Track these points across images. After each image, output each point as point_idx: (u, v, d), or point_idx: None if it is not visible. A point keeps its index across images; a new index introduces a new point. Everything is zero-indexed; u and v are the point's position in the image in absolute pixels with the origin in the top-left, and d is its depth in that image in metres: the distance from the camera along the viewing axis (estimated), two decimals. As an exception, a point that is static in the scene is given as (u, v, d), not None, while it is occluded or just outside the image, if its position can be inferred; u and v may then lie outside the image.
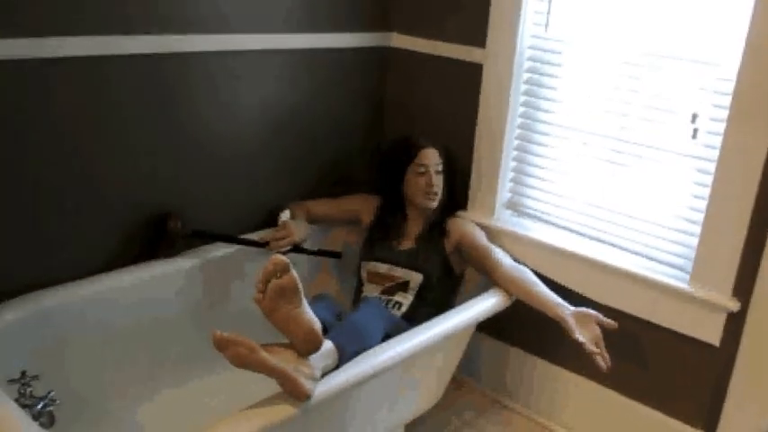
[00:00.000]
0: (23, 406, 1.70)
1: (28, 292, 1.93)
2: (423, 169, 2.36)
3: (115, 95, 2.02)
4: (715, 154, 1.99)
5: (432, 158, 2.37)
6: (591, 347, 1.99)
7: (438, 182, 2.37)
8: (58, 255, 2.02)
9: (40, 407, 1.76)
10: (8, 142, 1.84)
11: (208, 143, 2.28)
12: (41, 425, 1.71)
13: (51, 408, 1.79)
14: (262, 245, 2.34)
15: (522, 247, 2.41)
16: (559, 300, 2.12)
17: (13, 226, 1.91)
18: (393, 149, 2.45)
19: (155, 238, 2.20)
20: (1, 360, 1.76)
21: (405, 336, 1.95)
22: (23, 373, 1.77)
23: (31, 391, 1.77)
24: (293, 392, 1.59)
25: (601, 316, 2.06)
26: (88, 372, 2.04)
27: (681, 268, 2.14)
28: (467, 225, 2.42)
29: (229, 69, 2.26)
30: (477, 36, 2.42)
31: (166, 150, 2.18)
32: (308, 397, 1.60)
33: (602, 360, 1.99)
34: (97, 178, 2.05)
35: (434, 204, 2.37)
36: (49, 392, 1.79)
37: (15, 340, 1.84)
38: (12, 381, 1.75)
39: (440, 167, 2.38)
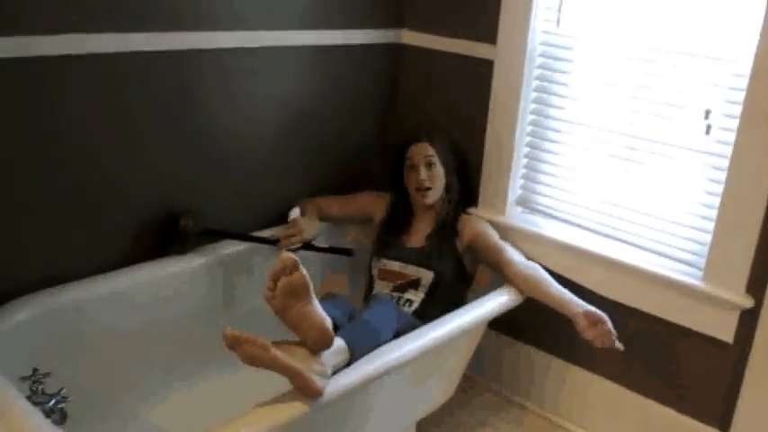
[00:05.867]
0: (35, 403, 1.70)
1: (39, 290, 1.94)
2: (410, 163, 2.37)
3: (128, 93, 2.02)
4: (728, 150, 1.97)
5: (419, 153, 2.36)
6: (601, 344, 1.98)
7: (430, 176, 2.35)
8: (70, 252, 2.02)
9: (51, 404, 1.77)
10: (22, 140, 1.85)
11: (220, 140, 2.28)
12: (53, 422, 1.71)
13: (63, 405, 1.79)
14: (272, 242, 2.34)
15: (534, 245, 2.40)
16: (572, 297, 2.11)
17: (25, 223, 1.92)
18: (396, 147, 2.45)
19: (166, 237, 2.20)
20: (13, 357, 1.77)
21: (416, 333, 1.94)
22: (35, 371, 1.78)
23: (42, 389, 1.77)
24: (304, 390, 1.58)
25: (609, 324, 2.00)
26: (100, 369, 2.05)
27: (694, 265, 2.12)
28: (479, 223, 2.41)
29: (242, 66, 2.26)
30: (489, 32, 2.41)
31: (179, 148, 2.18)
32: (319, 394, 1.60)
33: (617, 343, 1.97)
34: (110, 176, 2.05)
35: (429, 200, 2.36)
36: (60, 390, 1.80)
37: (27, 337, 1.85)
38: (24, 378, 1.75)
39: (432, 160, 2.35)
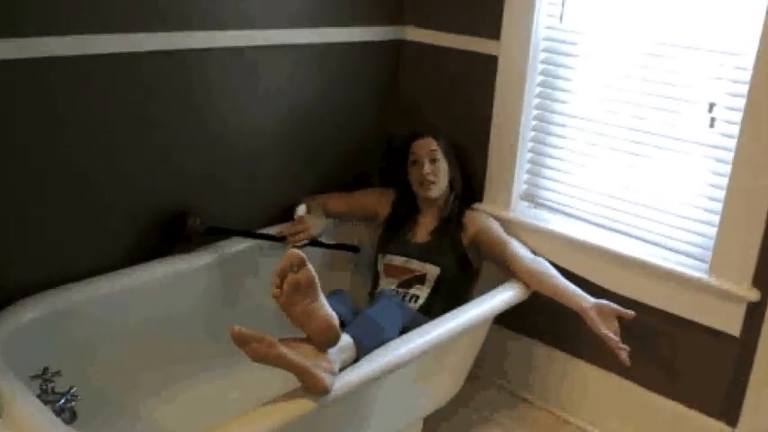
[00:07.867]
0: (45, 402, 1.71)
1: (47, 289, 1.94)
2: (414, 158, 2.38)
3: (133, 93, 2.03)
4: (732, 143, 1.97)
5: (423, 148, 2.38)
6: (616, 342, 1.98)
7: (434, 170, 2.36)
8: (76, 252, 2.03)
9: (61, 402, 1.77)
10: (29, 139, 1.86)
11: (224, 138, 2.29)
12: (63, 420, 1.72)
13: (73, 403, 1.80)
14: (279, 239, 2.34)
15: (539, 239, 2.40)
16: (579, 291, 2.12)
17: (31, 222, 1.93)
18: (396, 145, 2.46)
19: (173, 235, 2.20)
20: (23, 356, 1.77)
21: (423, 329, 1.95)
22: (45, 369, 1.79)
23: (53, 387, 1.78)
24: (312, 387, 1.59)
25: (619, 308, 2.05)
26: (108, 367, 2.06)
27: (699, 258, 2.12)
28: (484, 219, 2.41)
29: (247, 65, 2.26)
30: (492, 28, 2.41)
31: (183, 146, 2.19)
32: (326, 391, 1.61)
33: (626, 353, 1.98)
34: (115, 175, 2.06)
35: (433, 193, 2.37)
36: (70, 388, 1.80)
37: (37, 336, 1.86)
38: (34, 377, 1.76)
39: (436, 155, 2.38)
